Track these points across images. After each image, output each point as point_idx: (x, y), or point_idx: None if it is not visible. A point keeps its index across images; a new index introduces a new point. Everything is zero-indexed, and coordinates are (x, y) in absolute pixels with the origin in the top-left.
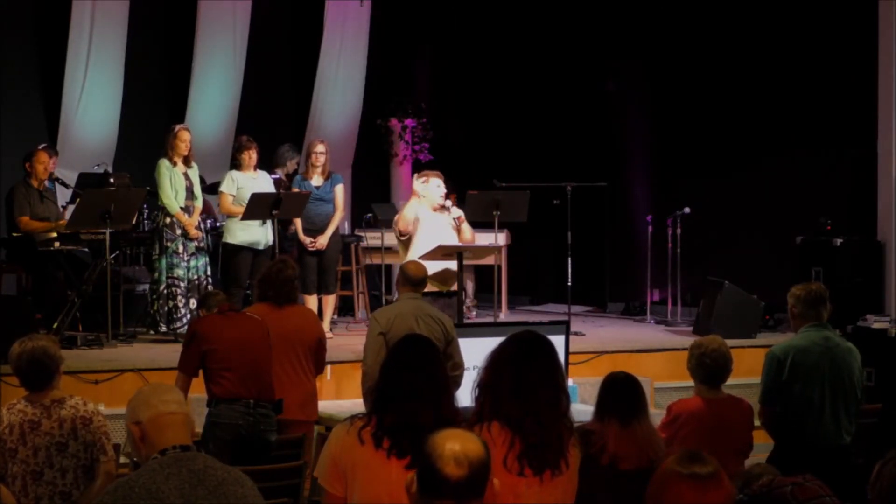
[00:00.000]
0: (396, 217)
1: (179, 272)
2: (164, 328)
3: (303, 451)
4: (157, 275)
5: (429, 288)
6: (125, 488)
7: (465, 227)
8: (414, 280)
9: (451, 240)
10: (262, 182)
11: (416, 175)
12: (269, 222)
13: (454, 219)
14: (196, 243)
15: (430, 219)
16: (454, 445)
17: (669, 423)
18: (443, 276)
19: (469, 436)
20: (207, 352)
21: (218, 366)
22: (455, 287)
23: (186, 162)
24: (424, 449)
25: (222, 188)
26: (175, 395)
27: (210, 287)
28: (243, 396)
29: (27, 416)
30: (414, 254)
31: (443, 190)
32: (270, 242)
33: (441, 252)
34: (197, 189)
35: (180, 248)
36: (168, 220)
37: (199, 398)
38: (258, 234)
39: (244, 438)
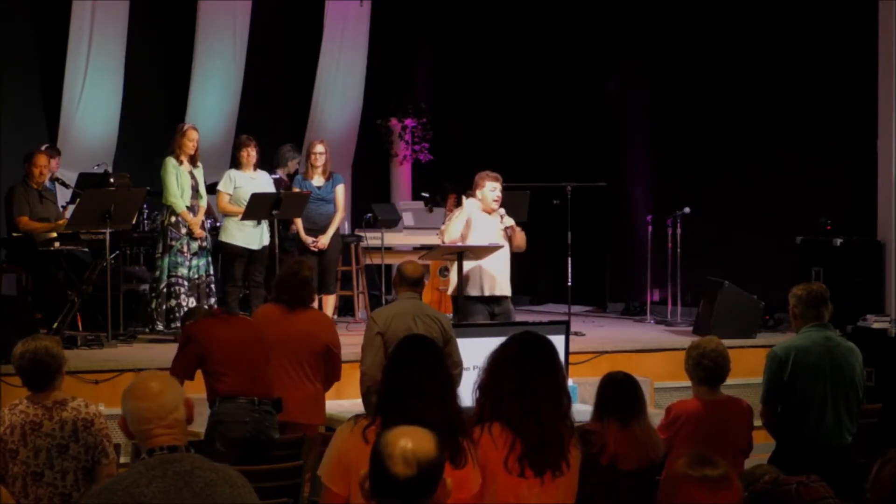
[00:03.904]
0: (442, 227)
1: (183, 271)
2: (160, 327)
3: (302, 451)
4: (158, 273)
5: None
6: (108, 491)
7: (518, 234)
8: (411, 280)
9: (502, 243)
10: (262, 182)
11: (478, 174)
12: (264, 223)
13: (505, 228)
14: (199, 242)
15: (482, 221)
16: (406, 444)
17: (669, 423)
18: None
19: (424, 434)
20: (204, 354)
21: (217, 367)
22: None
23: (192, 161)
24: (376, 446)
25: (219, 187)
26: None
27: (212, 286)
28: (246, 394)
29: (29, 417)
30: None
31: (497, 194)
32: (266, 243)
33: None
34: (202, 188)
35: (184, 248)
36: (173, 218)
37: (199, 398)
38: (253, 234)
39: (251, 435)
